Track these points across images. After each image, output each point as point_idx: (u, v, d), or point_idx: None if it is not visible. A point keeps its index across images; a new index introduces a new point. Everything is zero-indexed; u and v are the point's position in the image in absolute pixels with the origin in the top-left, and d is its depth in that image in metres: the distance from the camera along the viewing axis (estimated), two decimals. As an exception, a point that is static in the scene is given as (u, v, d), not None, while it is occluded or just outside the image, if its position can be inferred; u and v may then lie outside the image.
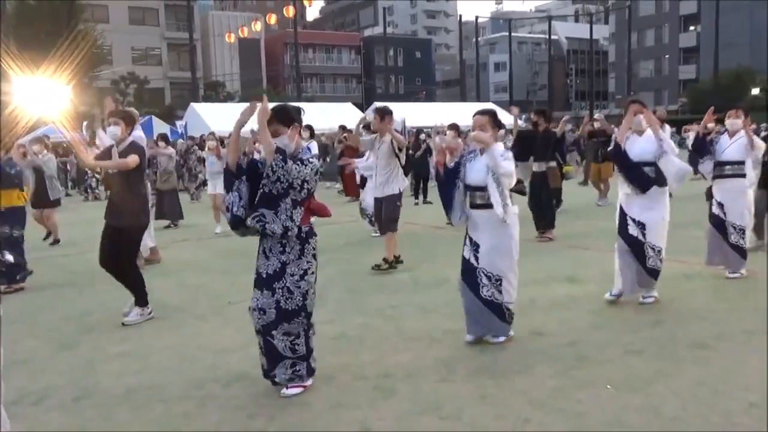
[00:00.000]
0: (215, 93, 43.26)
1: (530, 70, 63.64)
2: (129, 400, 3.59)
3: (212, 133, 12.30)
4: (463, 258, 4.27)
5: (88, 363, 4.26)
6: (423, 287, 6.07)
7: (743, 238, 5.85)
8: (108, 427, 3.29)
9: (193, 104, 26.71)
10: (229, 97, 42.97)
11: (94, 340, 4.74)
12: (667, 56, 55.85)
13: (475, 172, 4.20)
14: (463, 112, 25.12)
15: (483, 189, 4.15)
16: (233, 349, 4.38)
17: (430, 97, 53.44)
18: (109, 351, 4.49)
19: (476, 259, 4.20)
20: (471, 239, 4.25)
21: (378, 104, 6.86)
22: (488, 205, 4.12)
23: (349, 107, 28.14)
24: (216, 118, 22.33)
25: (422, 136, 14.90)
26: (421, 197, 13.30)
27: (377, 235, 8.43)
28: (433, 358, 4.08)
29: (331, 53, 58.17)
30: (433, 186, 12.92)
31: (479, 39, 48.52)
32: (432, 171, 10.33)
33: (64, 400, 3.65)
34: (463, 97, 43.22)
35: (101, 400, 3.63)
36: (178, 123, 24.55)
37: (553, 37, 50.04)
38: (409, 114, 24.70)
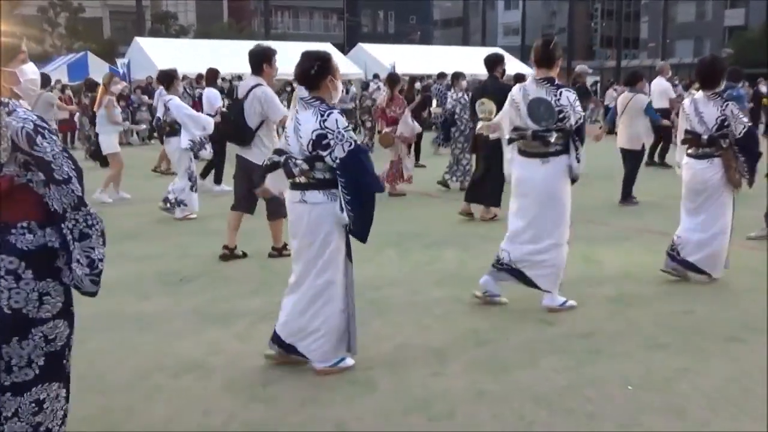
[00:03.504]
0: (165, 26, 42.52)
1: (547, 10, 63.22)
2: (61, 391, 3.62)
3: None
4: None
5: (11, 347, 4.26)
6: (413, 265, 6.11)
7: None
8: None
9: (137, 39, 26.44)
10: (181, 32, 42.24)
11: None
12: (711, -3, 55.69)
13: None
14: (465, 58, 25.05)
15: None
16: (184, 334, 4.41)
17: (426, 39, 52.91)
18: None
19: None
20: None
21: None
22: None
23: (328, 48, 27.83)
24: (165, 55, 21.98)
25: (417, 85, 14.78)
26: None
27: None
28: (422, 348, 4.15)
29: (308, -19, 57.15)
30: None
31: (487, -31, 47.98)
32: (418, 128, 10.13)
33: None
34: (465, 40, 42.74)
35: (27, 390, 3.65)
36: (120, 61, 24.21)
37: (576, -31, 49.57)
38: (401, 58, 24.51)
